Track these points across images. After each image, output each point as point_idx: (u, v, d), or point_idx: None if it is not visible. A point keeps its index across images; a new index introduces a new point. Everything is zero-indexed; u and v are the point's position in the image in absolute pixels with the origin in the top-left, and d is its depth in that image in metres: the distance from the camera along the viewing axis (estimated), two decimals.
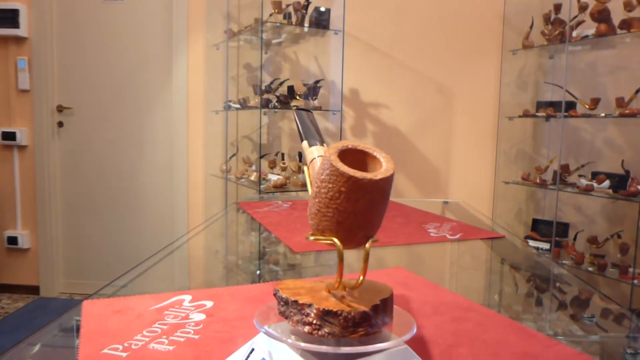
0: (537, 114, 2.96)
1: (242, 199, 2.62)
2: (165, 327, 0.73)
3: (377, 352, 0.49)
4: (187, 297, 0.85)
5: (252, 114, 2.99)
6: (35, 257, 3.50)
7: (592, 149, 2.86)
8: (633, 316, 1.03)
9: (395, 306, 0.57)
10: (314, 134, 0.66)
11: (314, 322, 0.49)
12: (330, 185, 0.50)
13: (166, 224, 3.49)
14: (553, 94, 3.04)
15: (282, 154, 3.11)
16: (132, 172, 3.51)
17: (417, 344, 0.68)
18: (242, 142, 3.25)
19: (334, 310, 0.49)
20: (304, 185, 2.71)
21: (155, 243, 3.42)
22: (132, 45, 3.42)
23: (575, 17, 2.67)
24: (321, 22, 2.84)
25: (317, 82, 2.94)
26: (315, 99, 2.90)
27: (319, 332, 0.49)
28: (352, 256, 1.30)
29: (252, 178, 2.84)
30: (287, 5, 2.82)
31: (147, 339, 0.68)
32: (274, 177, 2.81)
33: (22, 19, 3.28)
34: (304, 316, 0.50)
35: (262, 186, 2.75)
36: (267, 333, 0.51)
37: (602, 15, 2.50)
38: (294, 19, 2.82)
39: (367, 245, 0.51)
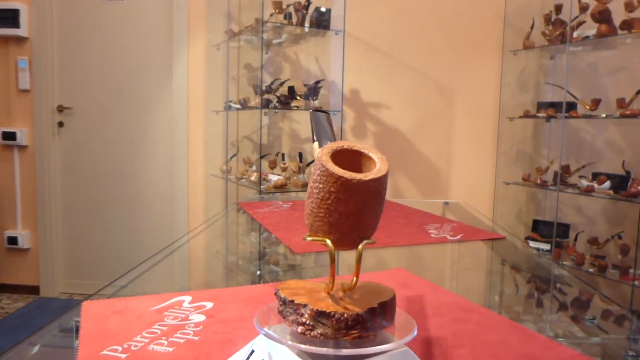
0: (538, 114, 2.95)
1: (243, 199, 2.62)
2: (164, 328, 0.73)
3: (378, 354, 0.49)
4: (187, 298, 0.85)
5: (253, 114, 2.99)
6: (35, 257, 3.50)
7: (593, 150, 2.86)
8: (634, 318, 1.03)
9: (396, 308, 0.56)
10: (327, 135, 0.65)
11: (308, 322, 0.49)
12: (321, 186, 0.50)
13: (166, 224, 3.49)
14: (554, 95, 3.04)
15: (283, 155, 3.11)
16: (132, 172, 3.51)
17: (418, 345, 0.68)
18: (243, 142, 3.25)
19: (327, 311, 0.48)
20: (305, 185, 2.71)
21: (156, 243, 3.42)
22: (133, 45, 3.42)
23: (576, 17, 2.67)
24: (322, 22, 2.84)
25: (317, 82, 2.93)
26: (316, 99, 2.90)
27: (312, 333, 0.49)
28: (353, 257, 1.29)
29: (253, 178, 2.84)
30: (288, 6, 2.82)
31: (146, 340, 0.68)
32: (274, 178, 2.80)
33: (23, 18, 3.28)
34: (298, 316, 0.50)
35: (262, 186, 2.75)
36: (267, 335, 0.51)
37: (603, 16, 2.50)
38: (294, 19, 2.82)
39: (360, 246, 0.51)
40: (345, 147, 0.53)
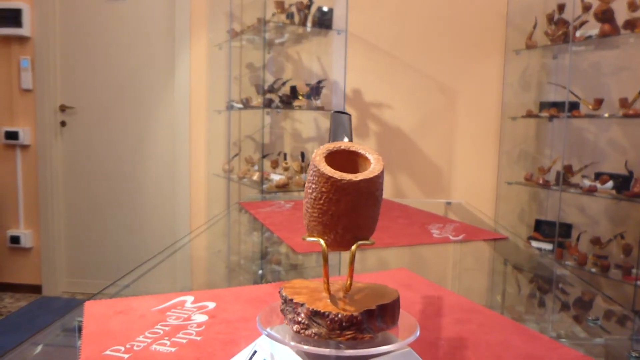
0: (540, 114, 2.95)
1: (245, 199, 2.62)
2: (167, 328, 0.73)
3: (381, 355, 0.49)
4: (190, 298, 0.85)
5: (255, 114, 2.99)
6: (37, 256, 3.50)
7: (596, 150, 2.85)
8: (636, 318, 1.03)
9: None
10: (341, 138, 0.65)
11: (303, 321, 0.50)
12: (314, 186, 0.50)
13: (168, 224, 3.49)
14: (556, 94, 3.03)
15: (285, 154, 3.11)
16: (134, 171, 3.51)
17: (421, 346, 0.68)
18: (245, 142, 3.25)
19: (322, 311, 0.49)
20: None
21: (158, 243, 3.42)
22: (135, 44, 3.42)
23: (579, 17, 2.66)
24: (324, 22, 2.83)
25: (319, 82, 2.93)
26: (318, 99, 2.90)
27: (307, 332, 0.49)
28: (356, 257, 1.29)
29: (255, 178, 2.84)
30: (290, 5, 2.82)
31: (149, 340, 0.68)
32: (276, 177, 2.80)
33: (25, 18, 3.29)
34: (295, 315, 0.51)
35: (264, 186, 2.75)
36: (269, 335, 0.51)
37: (605, 16, 2.50)
38: (296, 18, 2.82)
39: (353, 247, 0.51)
40: (342, 147, 0.53)
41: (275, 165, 2.93)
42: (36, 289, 3.51)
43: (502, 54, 3.18)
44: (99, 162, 3.51)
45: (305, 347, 0.48)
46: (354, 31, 3.06)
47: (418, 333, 0.52)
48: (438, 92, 3.25)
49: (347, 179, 0.48)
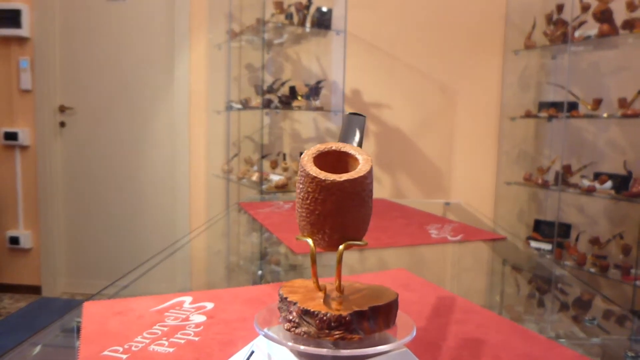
0: (539, 114, 2.95)
1: (244, 199, 2.62)
2: (165, 328, 0.73)
3: (377, 355, 0.49)
4: (188, 299, 0.85)
5: (254, 115, 2.99)
6: (37, 257, 3.51)
7: (595, 150, 2.86)
8: (635, 318, 1.03)
9: None
10: (354, 140, 0.65)
11: (294, 319, 0.51)
12: (301, 186, 0.51)
13: (168, 224, 3.49)
14: (555, 95, 3.04)
15: (284, 155, 3.11)
16: (133, 172, 3.51)
17: (418, 346, 0.68)
18: (244, 142, 3.25)
19: (312, 310, 0.49)
20: None
21: (157, 243, 3.42)
22: (134, 45, 3.43)
23: (578, 17, 2.66)
24: (323, 22, 2.84)
25: (318, 82, 2.94)
26: (317, 99, 2.90)
27: (296, 330, 0.50)
28: (354, 257, 1.29)
29: (254, 178, 2.84)
30: (289, 6, 2.82)
31: (147, 341, 0.68)
32: (275, 178, 2.81)
33: (24, 19, 3.29)
34: (288, 313, 0.51)
35: (263, 186, 2.75)
36: (266, 336, 0.51)
37: (604, 16, 2.50)
38: (295, 19, 2.82)
39: (341, 247, 0.51)
40: (333, 148, 0.54)
41: (274, 165, 2.93)
42: (35, 289, 3.51)
43: (501, 54, 3.19)
44: (99, 163, 3.51)
45: (302, 347, 0.49)
46: (353, 31, 3.06)
47: (414, 333, 0.52)
48: (437, 92, 3.25)
49: (331, 179, 0.49)
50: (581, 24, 2.67)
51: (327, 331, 0.48)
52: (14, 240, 3.46)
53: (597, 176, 2.60)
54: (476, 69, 3.22)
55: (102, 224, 3.55)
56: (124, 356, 0.64)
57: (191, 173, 3.45)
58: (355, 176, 0.49)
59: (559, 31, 2.77)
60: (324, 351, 0.48)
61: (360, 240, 0.53)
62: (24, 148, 3.44)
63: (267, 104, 2.79)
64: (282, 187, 2.71)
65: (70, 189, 3.54)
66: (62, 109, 3.46)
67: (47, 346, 0.76)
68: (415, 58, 3.22)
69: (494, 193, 3.27)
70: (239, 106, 3.04)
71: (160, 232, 3.49)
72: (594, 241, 2.66)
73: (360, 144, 0.64)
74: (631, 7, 2.44)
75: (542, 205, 3.18)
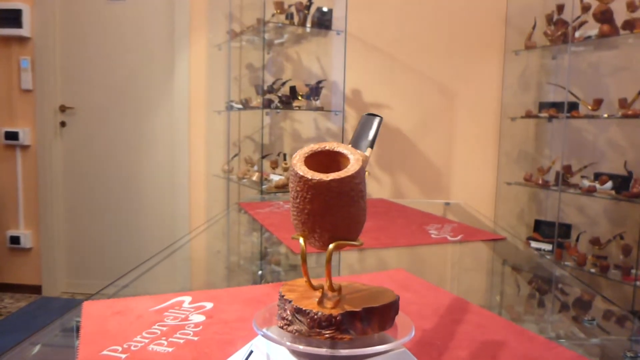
0: (540, 114, 2.95)
1: (244, 199, 2.62)
2: (164, 328, 0.73)
3: (376, 355, 0.49)
4: (187, 299, 0.85)
5: (254, 115, 2.99)
6: (37, 256, 3.51)
7: (595, 150, 2.85)
8: (635, 319, 1.03)
9: None
10: (366, 141, 0.65)
11: (288, 317, 0.51)
12: (292, 185, 0.52)
13: (168, 224, 3.49)
14: (555, 95, 3.04)
15: (284, 155, 3.11)
16: (134, 172, 3.51)
17: (417, 346, 0.68)
18: (244, 142, 3.25)
19: (304, 309, 0.49)
20: None
21: (157, 243, 3.42)
22: (135, 45, 3.43)
23: (578, 17, 2.66)
24: (323, 22, 2.84)
25: (319, 82, 2.94)
26: (317, 99, 2.90)
27: (289, 328, 0.51)
28: (353, 257, 1.29)
29: (254, 178, 2.84)
30: (290, 6, 2.82)
31: (146, 341, 0.68)
32: (275, 178, 2.81)
33: (25, 18, 3.29)
34: (283, 311, 0.52)
35: (264, 187, 2.75)
36: (265, 336, 0.51)
37: (605, 16, 2.50)
38: (296, 19, 2.82)
39: (330, 247, 0.51)
40: (327, 148, 0.54)
41: (274, 165, 2.93)
42: (36, 289, 3.51)
43: (501, 54, 3.19)
44: (99, 163, 3.51)
45: (301, 347, 0.49)
46: (354, 32, 3.06)
47: (413, 333, 0.52)
48: (437, 92, 3.25)
49: (317, 178, 0.49)
50: (582, 24, 2.67)
51: (317, 330, 0.49)
52: (15, 240, 3.47)
53: (598, 176, 2.60)
54: (476, 69, 3.22)
55: (103, 224, 3.55)
56: (123, 356, 0.64)
57: (191, 173, 3.45)
58: (343, 175, 0.49)
59: (560, 31, 2.77)
60: (322, 351, 0.48)
61: (353, 240, 0.53)
62: (24, 148, 3.44)
63: (267, 104, 2.79)
64: (283, 187, 2.71)
65: (70, 189, 3.54)
66: (63, 109, 3.46)
67: (47, 346, 0.76)
68: (415, 58, 3.22)
69: (494, 193, 3.27)
70: (240, 106, 3.04)
71: (160, 232, 3.50)
72: (595, 242, 2.66)
73: (372, 145, 0.63)
74: (631, 7, 2.44)
75: (542, 206, 3.18)
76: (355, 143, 0.64)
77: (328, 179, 0.49)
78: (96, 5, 3.40)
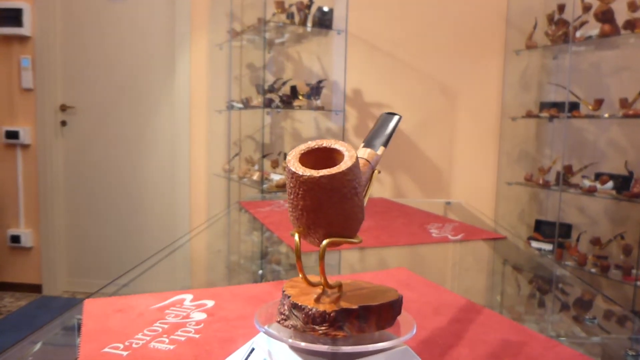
0: (541, 114, 2.95)
1: (245, 198, 2.62)
2: (166, 326, 0.73)
3: (377, 352, 0.49)
4: (188, 297, 0.85)
5: (255, 114, 2.99)
6: (37, 255, 3.51)
7: (596, 150, 2.85)
8: (635, 318, 1.03)
9: None
10: (380, 140, 0.65)
11: (285, 312, 0.52)
12: (287, 182, 0.52)
13: (168, 223, 3.49)
14: (556, 95, 3.03)
15: (285, 154, 3.11)
16: (134, 171, 3.52)
17: (418, 344, 0.68)
18: (245, 141, 3.25)
19: (300, 304, 0.50)
20: None
21: (158, 242, 3.43)
22: (135, 44, 3.43)
23: (579, 17, 2.66)
24: (324, 22, 2.84)
25: (319, 82, 2.94)
26: (318, 99, 2.90)
27: (285, 323, 0.51)
28: (355, 256, 1.29)
29: (255, 178, 2.84)
30: (290, 5, 2.82)
31: (147, 338, 0.69)
32: (276, 177, 2.81)
33: (26, 18, 3.29)
34: (282, 306, 0.53)
35: (264, 186, 2.75)
36: (267, 333, 0.51)
37: (606, 16, 2.50)
38: (296, 18, 2.82)
39: (323, 243, 0.51)
40: (324, 145, 0.54)
41: (275, 165, 2.93)
42: (36, 288, 3.51)
43: (502, 54, 3.18)
44: (99, 162, 3.51)
45: (303, 344, 0.49)
46: (354, 31, 3.06)
47: (415, 331, 0.52)
48: (438, 92, 3.25)
49: (308, 174, 0.49)
50: (582, 24, 2.67)
51: (312, 326, 0.49)
52: (15, 239, 3.47)
53: (598, 176, 2.60)
54: (477, 69, 3.22)
55: (103, 223, 3.55)
56: (125, 353, 0.64)
57: (192, 172, 3.45)
58: (334, 172, 0.49)
59: (560, 31, 2.77)
60: (324, 348, 0.48)
61: (350, 237, 0.53)
62: (25, 147, 3.44)
63: (268, 104, 2.79)
64: (283, 187, 2.71)
65: (71, 188, 3.54)
66: (63, 108, 3.46)
67: (48, 344, 0.76)
68: (416, 58, 3.22)
69: (494, 193, 3.26)
70: (240, 105, 3.04)
71: (161, 231, 3.50)
72: (595, 241, 2.66)
73: (385, 143, 0.63)
74: (632, 7, 2.44)
75: (543, 206, 3.18)
76: (370, 141, 0.64)
77: (318, 175, 0.49)
78: (97, 4, 3.40)
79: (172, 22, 3.37)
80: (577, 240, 2.74)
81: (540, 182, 2.89)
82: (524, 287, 1.25)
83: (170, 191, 3.49)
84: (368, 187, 0.59)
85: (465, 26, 3.19)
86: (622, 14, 2.49)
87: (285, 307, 0.52)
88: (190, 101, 3.39)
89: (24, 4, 3.28)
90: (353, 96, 3.23)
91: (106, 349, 0.65)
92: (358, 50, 3.14)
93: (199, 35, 3.36)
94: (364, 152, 0.61)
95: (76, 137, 3.50)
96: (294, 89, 2.89)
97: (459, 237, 1.40)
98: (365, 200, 0.58)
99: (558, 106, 2.85)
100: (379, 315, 0.51)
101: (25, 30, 3.29)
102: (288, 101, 2.84)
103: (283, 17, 2.80)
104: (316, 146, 0.54)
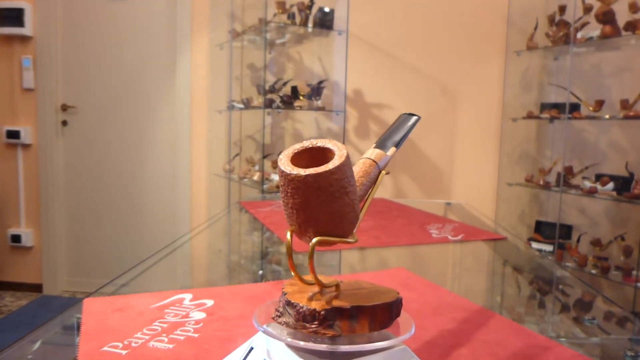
0: (541, 115, 2.95)
1: (245, 198, 2.62)
2: (165, 325, 0.73)
3: (376, 352, 0.49)
4: (188, 296, 0.86)
5: (256, 114, 2.99)
6: (38, 255, 3.51)
7: (596, 151, 2.85)
8: (635, 319, 1.03)
9: None
10: (391, 138, 0.64)
11: (280, 309, 0.52)
12: (279, 180, 0.52)
13: (169, 223, 3.49)
14: (557, 96, 3.03)
15: None
16: (135, 171, 3.52)
17: (417, 344, 0.68)
18: (246, 142, 3.25)
19: (293, 302, 0.51)
20: None
21: (158, 242, 3.43)
22: (136, 44, 3.43)
23: (580, 18, 2.66)
24: (325, 22, 2.84)
25: (320, 82, 2.94)
26: (319, 99, 2.90)
27: (279, 319, 0.52)
28: (355, 256, 1.29)
29: (255, 178, 2.84)
30: (291, 6, 2.82)
31: (147, 337, 0.69)
32: (276, 177, 2.81)
33: (27, 18, 3.29)
34: (279, 303, 0.53)
35: (264, 186, 2.75)
36: (265, 332, 0.51)
37: (607, 17, 2.50)
38: (297, 19, 2.82)
39: (313, 241, 0.51)
40: (318, 144, 0.54)
41: (275, 165, 2.93)
42: (37, 287, 3.51)
43: (503, 55, 3.18)
44: (100, 162, 3.51)
45: (302, 343, 0.49)
46: (355, 32, 3.06)
47: (413, 330, 0.52)
48: (439, 92, 3.25)
49: (295, 172, 0.49)
50: (583, 25, 2.66)
51: (303, 323, 0.49)
52: (16, 239, 3.47)
53: (599, 177, 2.60)
54: (478, 70, 3.22)
55: (104, 223, 3.55)
56: (124, 352, 0.64)
57: (192, 172, 3.45)
58: (320, 171, 0.49)
59: (561, 32, 2.77)
60: (322, 347, 0.48)
61: (343, 237, 0.53)
62: (26, 146, 3.44)
63: (268, 104, 2.79)
64: None
65: (71, 188, 3.54)
66: (64, 108, 3.47)
67: (48, 343, 0.76)
68: (417, 58, 3.22)
69: (495, 194, 3.26)
70: (241, 106, 3.04)
71: (162, 231, 3.50)
72: (595, 243, 2.66)
73: (397, 144, 0.63)
74: (633, 8, 2.44)
75: (543, 206, 3.18)
76: (382, 141, 0.63)
77: (304, 173, 0.49)
78: (98, 4, 3.41)
79: (173, 22, 3.37)
80: (578, 241, 2.73)
81: (541, 183, 2.89)
82: (524, 288, 1.25)
83: (170, 191, 3.49)
84: (373, 188, 0.59)
85: (466, 27, 3.19)
86: (623, 15, 2.48)
87: (281, 304, 0.52)
88: (191, 101, 3.40)
89: (26, 4, 3.29)
90: (354, 96, 3.23)
91: (105, 348, 0.65)
92: (359, 50, 3.14)
93: (199, 35, 3.36)
94: (371, 153, 0.61)
95: (77, 137, 3.50)
96: (294, 90, 2.89)
97: (459, 237, 1.40)
98: (369, 200, 0.58)
99: (559, 107, 2.85)
100: (373, 316, 0.51)
101: (26, 30, 3.30)
102: (289, 101, 2.84)
103: (284, 17, 2.80)
104: (310, 146, 0.54)
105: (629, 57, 2.73)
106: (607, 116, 2.60)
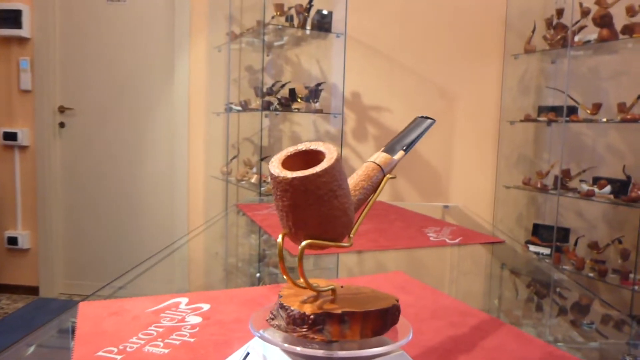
0: (539, 118, 2.95)
1: (242, 201, 2.61)
2: (161, 329, 0.72)
3: (373, 358, 0.49)
4: (184, 300, 0.85)
5: (254, 116, 2.99)
6: (35, 257, 3.50)
7: (594, 154, 2.86)
8: (633, 323, 1.02)
9: None
10: (401, 141, 0.64)
11: (274, 311, 0.53)
12: (270, 183, 0.52)
13: (166, 226, 3.49)
14: (555, 99, 3.04)
15: None
16: (132, 173, 3.51)
17: (415, 349, 0.68)
18: (243, 144, 3.25)
19: (285, 305, 0.51)
20: None
21: (155, 244, 3.42)
22: (134, 46, 3.43)
23: (578, 22, 2.67)
24: (323, 24, 2.84)
25: (318, 84, 2.94)
26: (317, 101, 2.90)
27: (272, 322, 0.52)
28: (352, 260, 1.29)
29: (253, 180, 2.84)
30: (290, 8, 2.82)
31: (142, 342, 0.68)
32: None
33: (25, 19, 3.29)
34: (274, 305, 0.54)
35: (262, 188, 2.75)
36: (261, 337, 0.51)
37: (604, 21, 2.50)
38: (296, 21, 2.82)
39: (302, 244, 0.51)
40: (312, 147, 0.54)
41: None
42: (33, 290, 3.50)
43: (500, 58, 3.19)
44: (98, 164, 3.51)
45: (298, 348, 0.48)
46: (353, 34, 3.06)
47: (411, 336, 0.52)
48: (437, 95, 3.25)
49: (282, 175, 0.49)
50: (581, 28, 2.67)
51: (293, 327, 0.49)
52: (12, 241, 3.46)
53: (596, 181, 2.60)
54: (476, 73, 3.22)
55: (101, 225, 3.54)
56: (119, 357, 0.63)
57: (190, 174, 3.44)
58: (307, 174, 0.49)
59: (559, 36, 2.77)
60: (319, 352, 0.48)
61: (334, 240, 0.52)
62: (23, 148, 3.43)
63: (266, 106, 2.79)
64: None
65: (69, 190, 3.53)
66: (62, 110, 3.46)
67: (42, 346, 0.76)
68: (415, 61, 3.22)
69: (492, 197, 3.26)
70: (239, 108, 3.04)
71: (159, 234, 3.49)
72: (593, 246, 2.66)
73: (406, 148, 0.63)
74: (631, 12, 2.45)
75: (540, 210, 3.18)
76: (392, 145, 0.63)
77: (291, 176, 0.49)
78: (96, 6, 3.40)
79: (171, 24, 3.37)
80: (575, 244, 2.73)
81: (539, 186, 2.89)
82: (522, 291, 1.24)
83: (168, 193, 3.48)
84: (377, 192, 0.59)
85: (464, 30, 3.20)
86: (620, 19, 2.49)
87: (276, 307, 0.53)
88: (189, 103, 3.39)
89: (23, 6, 3.28)
90: (352, 99, 3.23)
91: (100, 353, 0.64)
92: (357, 53, 3.14)
93: (198, 38, 3.36)
94: (376, 157, 0.61)
95: (74, 139, 3.49)
96: (292, 92, 2.89)
97: (456, 240, 1.40)
98: (370, 204, 0.58)
99: (556, 110, 2.86)
100: (364, 322, 0.50)
101: (24, 31, 3.29)
102: (287, 104, 2.84)
103: (282, 19, 2.80)
104: (304, 149, 0.53)
105: (627, 61, 2.73)
106: (604, 119, 2.60)
